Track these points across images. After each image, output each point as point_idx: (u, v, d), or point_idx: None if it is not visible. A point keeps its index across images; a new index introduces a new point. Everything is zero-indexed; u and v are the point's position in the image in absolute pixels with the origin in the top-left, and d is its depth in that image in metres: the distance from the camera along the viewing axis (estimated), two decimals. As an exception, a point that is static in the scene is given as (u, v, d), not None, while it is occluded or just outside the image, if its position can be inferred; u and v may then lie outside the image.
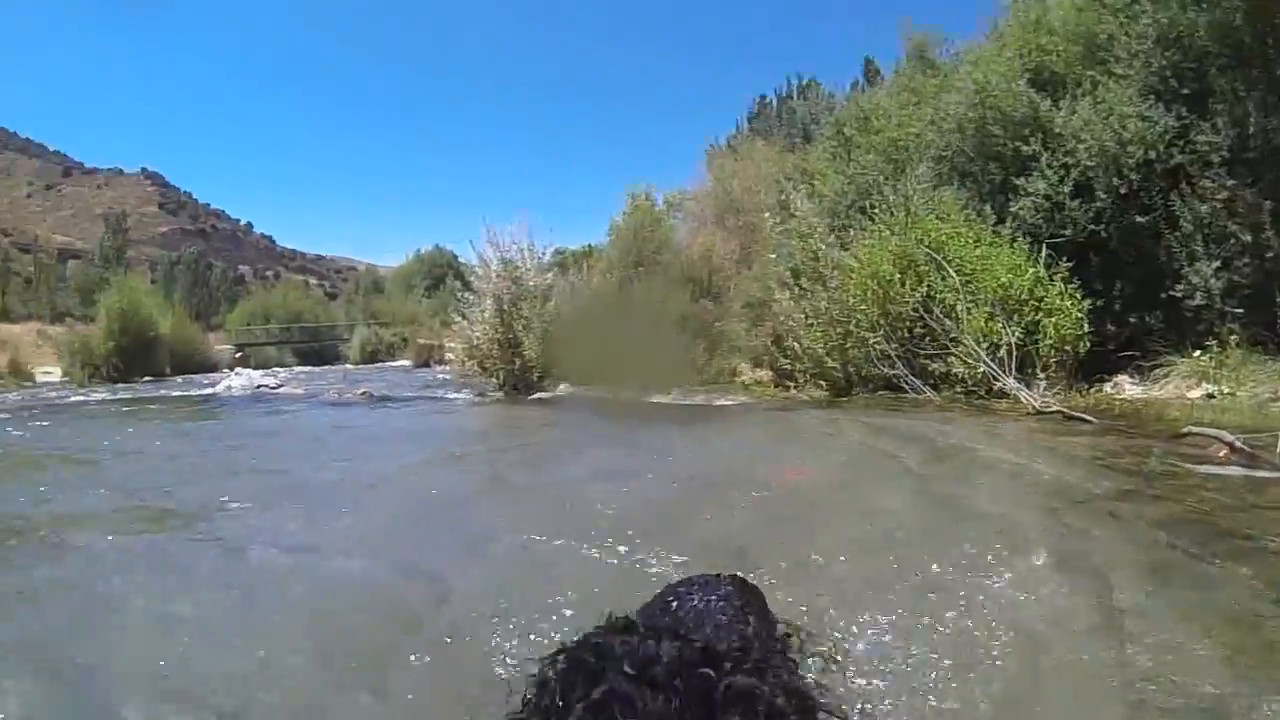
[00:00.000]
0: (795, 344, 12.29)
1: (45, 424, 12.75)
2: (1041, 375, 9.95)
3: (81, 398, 18.45)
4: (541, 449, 9.31)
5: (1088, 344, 10.10)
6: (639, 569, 3.90)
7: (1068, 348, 10.03)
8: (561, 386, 15.54)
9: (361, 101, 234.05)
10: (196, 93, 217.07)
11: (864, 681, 2.57)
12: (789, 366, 12.68)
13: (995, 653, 2.79)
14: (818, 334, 11.85)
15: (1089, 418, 8.20)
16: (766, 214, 14.58)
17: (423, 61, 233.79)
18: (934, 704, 2.47)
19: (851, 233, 12.62)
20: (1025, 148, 11.22)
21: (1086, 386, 10.03)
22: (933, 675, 2.63)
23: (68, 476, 7.68)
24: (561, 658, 0.91)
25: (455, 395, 16.21)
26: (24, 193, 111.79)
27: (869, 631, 2.98)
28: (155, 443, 10.21)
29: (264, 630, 3.31)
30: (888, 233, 11.55)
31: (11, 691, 2.79)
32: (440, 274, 44.50)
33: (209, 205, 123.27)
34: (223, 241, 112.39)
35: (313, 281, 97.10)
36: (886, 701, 2.46)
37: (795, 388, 12.59)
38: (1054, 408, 8.80)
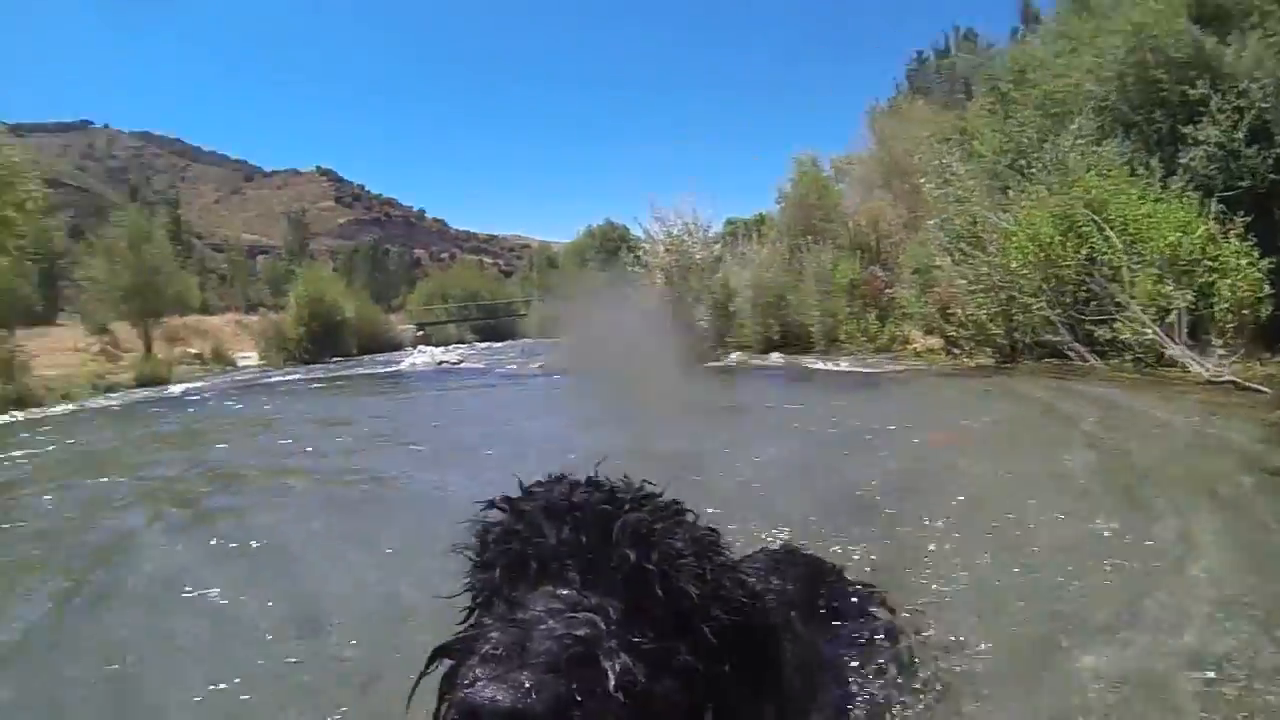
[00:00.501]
0: (959, 311, 12.70)
1: (251, 399, 15.30)
2: (1217, 342, 9.43)
3: (280, 377, 21.44)
4: (691, 416, 9.41)
5: (1269, 308, 9.46)
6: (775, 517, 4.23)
7: (1245, 311, 9.47)
8: (733, 355, 16.56)
9: (527, 80, 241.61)
10: (364, 88, 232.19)
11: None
12: (954, 334, 13.09)
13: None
14: (981, 300, 12.06)
15: (1264, 389, 7.73)
16: (922, 179, 14.75)
17: (584, 37, 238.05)
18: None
19: (1010, 194, 12.47)
20: (1192, 92, 10.64)
21: (1269, 355, 9.30)
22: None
23: (272, 438, 9.61)
24: (499, 498, 1.13)
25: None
26: (212, 199, 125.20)
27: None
28: (349, 409, 12.06)
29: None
30: (1046, 193, 11.41)
31: (272, 584, 3.86)
32: (613, 248, 46.04)
33: (382, 195, 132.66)
34: (398, 228, 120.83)
35: (487, 260, 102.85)
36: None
37: (963, 355, 12.88)
38: (1226, 377, 8.39)
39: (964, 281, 12.43)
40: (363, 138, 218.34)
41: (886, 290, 16.22)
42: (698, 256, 17.11)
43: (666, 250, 17.33)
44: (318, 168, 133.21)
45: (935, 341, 14.38)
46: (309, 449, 8.43)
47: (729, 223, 41.18)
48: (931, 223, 13.78)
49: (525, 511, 1.06)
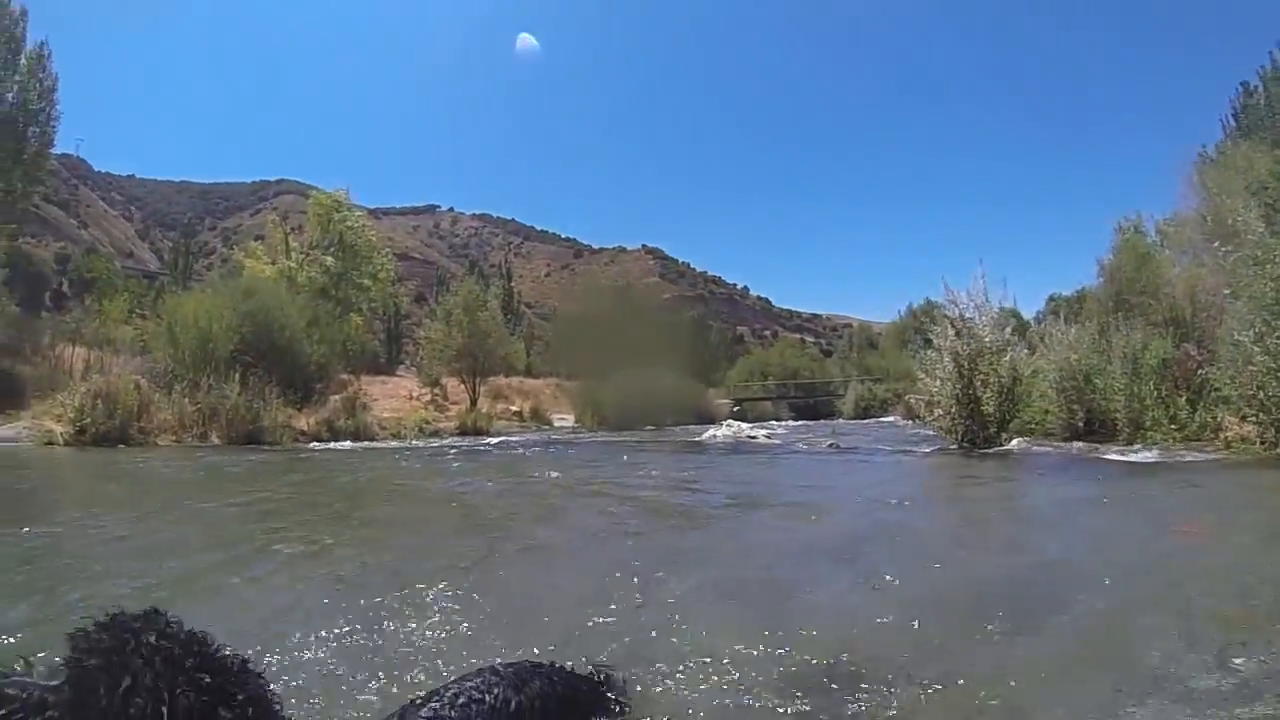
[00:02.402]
0: (1258, 393, 11.78)
1: (573, 450, 17.84)
2: None
3: (589, 438, 24.10)
4: (939, 500, 10.44)
5: None
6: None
7: None
8: (1015, 441, 16.33)
9: (850, 153, 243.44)
10: (693, 170, 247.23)
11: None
12: (1259, 419, 12.11)
13: None
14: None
15: None
16: (1216, 242, 13.69)
17: (907, 108, 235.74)
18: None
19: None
20: None
21: None
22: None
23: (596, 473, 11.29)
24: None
25: (916, 448, 17.65)
26: (543, 273, 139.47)
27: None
28: (631, 463, 13.71)
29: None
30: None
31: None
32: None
33: (707, 273, 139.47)
34: (721, 304, 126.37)
35: (809, 339, 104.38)
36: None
37: (1276, 445, 11.92)
38: None
39: (1265, 358, 11.56)
40: (690, 217, 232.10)
41: (1199, 370, 15.22)
42: (986, 339, 17.13)
43: (956, 334, 17.55)
44: (644, 246, 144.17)
45: (1251, 429, 13.31)
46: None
47: (1051, 299, 39.30)
48: (1226, 291, 12.91)
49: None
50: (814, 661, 3.34)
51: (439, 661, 3.33)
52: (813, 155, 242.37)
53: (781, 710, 2.86)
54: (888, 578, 5.05)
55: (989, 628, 3.87)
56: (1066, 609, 4.23)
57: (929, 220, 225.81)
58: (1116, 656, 3.49)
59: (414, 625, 3.89)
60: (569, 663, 2.51)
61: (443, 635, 3.77)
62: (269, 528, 7.02)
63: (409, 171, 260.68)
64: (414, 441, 21.34)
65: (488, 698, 2.08)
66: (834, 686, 3.08)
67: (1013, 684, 3.12)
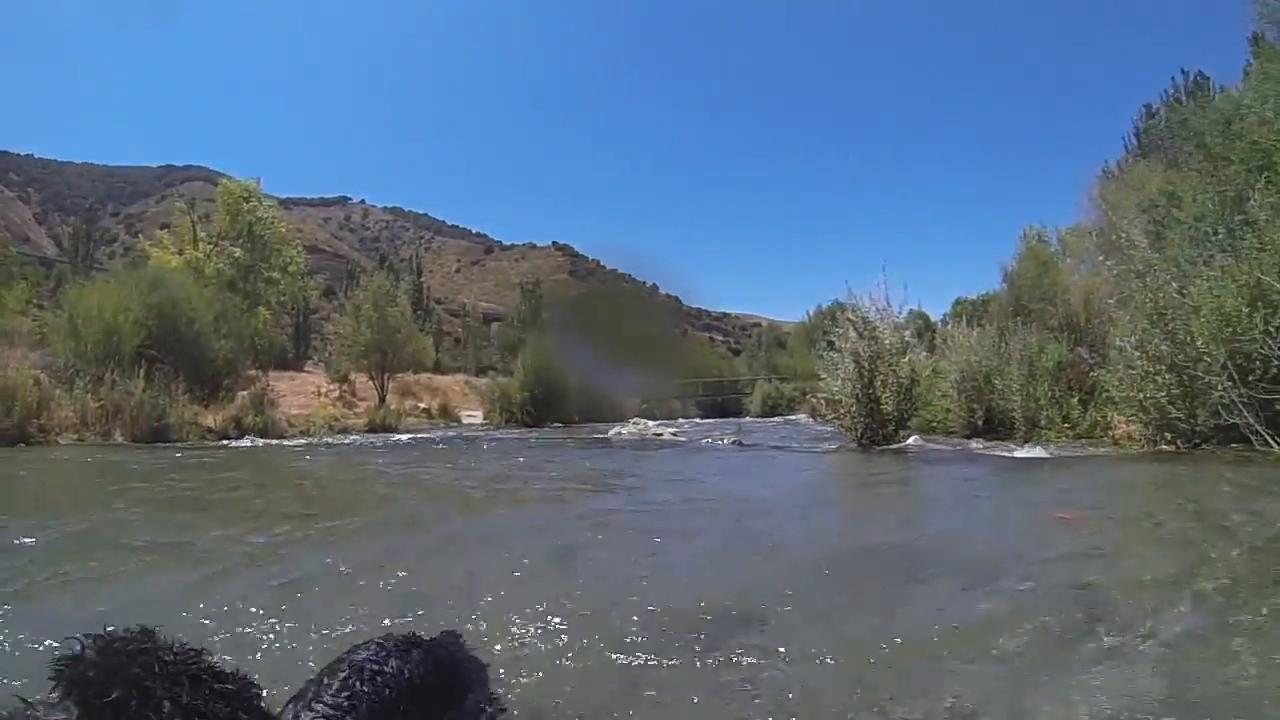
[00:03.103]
0: (1138, 394, 12.33)
1: (476, 448, 17.53)
2: None
3: (500, 436, 23.77)
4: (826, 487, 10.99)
5: None
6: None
7: None
8: (912, 439, 16.74)
9: (760, 161, 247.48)
10: (601, 168, 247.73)
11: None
12: (1140, 418, 12.66)
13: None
14: (1161, 382, 11.71)
15: None
16: (1099, 256, 14.47)
17: (814, 122, 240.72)
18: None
19: (1198, 264, 12.06)
20: None
21: None
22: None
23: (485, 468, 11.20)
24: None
25: (818, 445, 18.06)
26: (453, 268, 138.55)
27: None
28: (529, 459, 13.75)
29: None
30: (1233, 261, 11.05)
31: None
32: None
33: (616, 270, 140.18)
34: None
35: (717, 338, 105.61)
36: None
37: (1146, 442, 12.56)
38: None
39: (1143, 362, 12.10)
40: (600, 216, 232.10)
41: (1091, 373, 15.83)
42: (886, 342, 17.54)
43: (858, 335, 17.91)
44: (554, 243, 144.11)
45: (1137, 429, 13.90)
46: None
47: (957, 303, 40.59)
48: (1109, 301, 13.51)
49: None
50: (711, 608, 4.22)
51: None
52: (720, 155, 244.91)
53: (683, 642, 3.70)
54: (770, 546, 6.23)
55: (856, 584, 4.99)
56: (920, 572, 5.29)
57: (840, 222, 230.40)
58: (956, 603, 4.42)
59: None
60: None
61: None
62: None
63: (321, 162, 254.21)
64: (327, 439, 20.64)
65: (386, 668, 2.13)
66: (730, 624, 3.98)
67: (872, 620, 4.14)
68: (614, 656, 3.53)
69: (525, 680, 3.22)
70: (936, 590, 4.77)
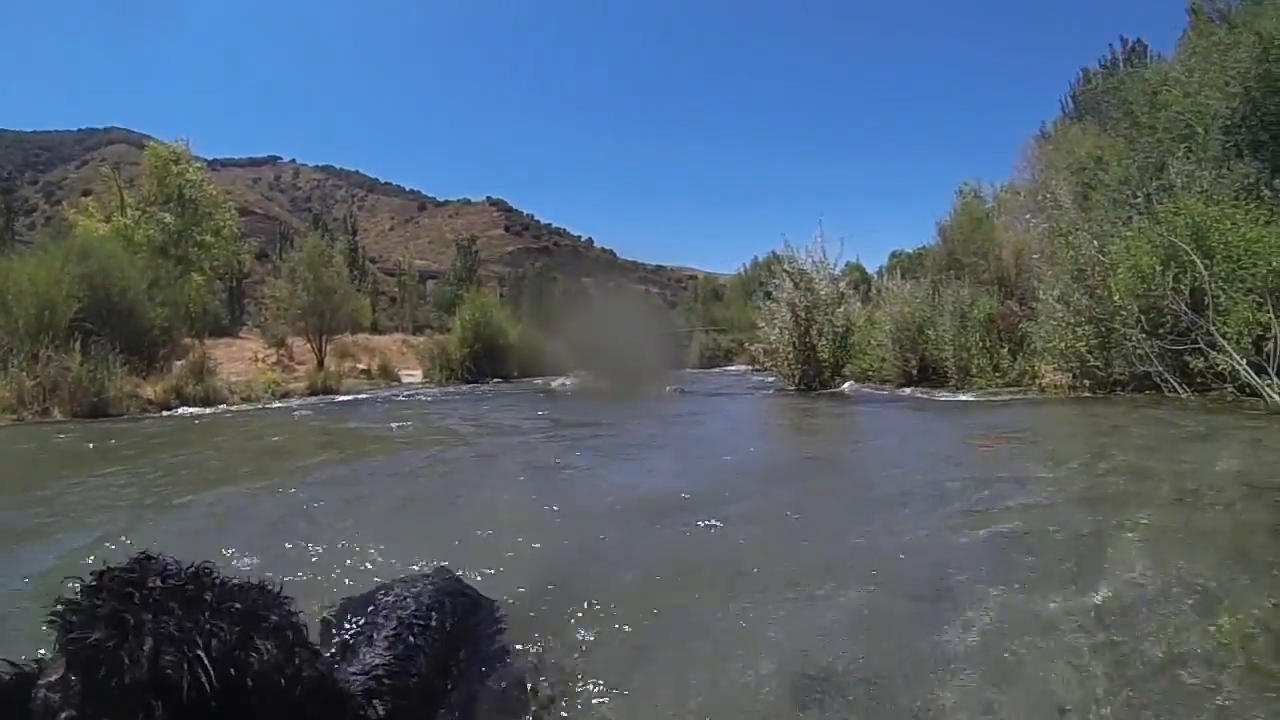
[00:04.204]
0: (1060, 344, 13.36)
1: (415, 405, 18.05)
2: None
3: (438, 392, 24.29)
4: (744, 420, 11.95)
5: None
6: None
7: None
8: (848, 385, 17.71)
9: (695, 114, 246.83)
10: (536, 121, 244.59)
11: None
12: (1061, 366, 13.70)
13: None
14: (1080, 333, 12.72)
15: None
16: (1028, 214, 15.41)
17: (743, 72, 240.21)
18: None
19: (1119, 225, 12.94)
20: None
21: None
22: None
23: (426, 422, 11.74)
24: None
25: (756, 392, 18.96)
26: (387, 226, 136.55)
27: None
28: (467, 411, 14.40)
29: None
30: (1150, 223, 11.93)
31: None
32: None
33: (551, 225, 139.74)
34: (565, 257, 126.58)
35: (653, 290, 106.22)
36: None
37: (1067, 389, 13.60)
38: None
39: (1064, 314, 13.06)
40: (534, 169, 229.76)
41: (1020, 325, 16.80)
42: (823, 292, 18.39)
43: (795, 286, 18.70)
44: (488, 198, 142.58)
45: (1063, 378, 14.93)
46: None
47: (893, 256, 41.77)
48: (1035, 256, 14.40)
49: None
50: (667, 502, 5.58)
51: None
52: (656, 105, 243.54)
53: (642, 521, 5.09)
54: (717, 461, 8.08)
55: (769, 484, 6.53)
56: (827, 478, 7.06)
57: (776, 176, 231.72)
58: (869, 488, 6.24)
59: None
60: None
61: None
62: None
63: (247, 120, 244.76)
64: (272, 404, 20.70)
65: (430, 620, 2.26)
66: (682, 511, 5.30)
67: (783, 510, 5.45)
68: (587, 533, 4.79)
69: (513, 555, 4.26)
70: (855, 481, 6.71)
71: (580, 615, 3.29)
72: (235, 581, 1.47)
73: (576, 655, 2.93)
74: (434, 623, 2.26)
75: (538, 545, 4.44)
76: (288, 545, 4.57)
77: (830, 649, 2.91)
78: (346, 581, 3.72)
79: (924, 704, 2.48)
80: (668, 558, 4.29)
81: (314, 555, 4.33)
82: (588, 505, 5.70)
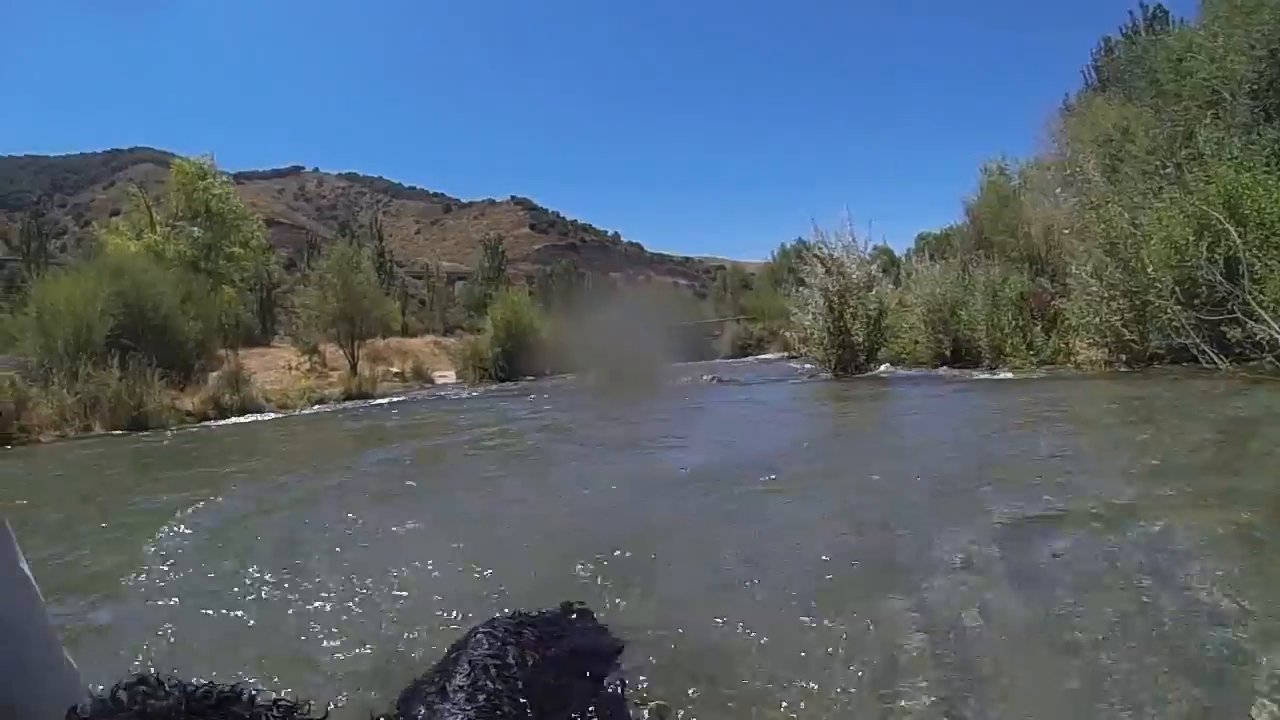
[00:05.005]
0: (1094, 319, 13.45)
1: (454, 404, 18.49)
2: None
3: (472, 392, 24.77)
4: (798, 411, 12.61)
5: None
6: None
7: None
8: (884, 367, 17.90)
9: (716, 101, 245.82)
10: (557, 118, 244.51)
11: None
12: (1096, 340, 13.79)
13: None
14: (1115, 306, 12.82)
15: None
16: (1058, 189, 15.41)
17: (761, 59, 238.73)
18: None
19: (1149, 196, 12.95)
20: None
21: None
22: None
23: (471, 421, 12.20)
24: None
25: (794, 380, 19.11)
26: (413, 230, 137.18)
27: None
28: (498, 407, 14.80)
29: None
30: (1181, 193, 11.97)
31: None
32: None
33: (577, 221, 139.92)
34: (593, 253, 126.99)
35: (682, 282, 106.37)
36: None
37: (1103, 364, 13.72)
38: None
39: (1098, 288, 13.15)
40: (558, 166, 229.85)
41: (1053, 302, 16.84)
42: (854, 276, 18.52)
43: (826, 272, 18.84)
44: (513, 197, 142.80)
45: (1099, 354, 14.98)
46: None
47: (920, 238, 41.57)
48: (1065, 232, 14.45)
49: None
50: (722, 469, 6.87)
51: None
52: (680, 96, 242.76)
53: (699, 485, 6.21)
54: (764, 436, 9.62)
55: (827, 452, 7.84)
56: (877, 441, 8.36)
57: (800, 162, 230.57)
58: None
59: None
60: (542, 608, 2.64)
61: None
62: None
63: (269, 132, 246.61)
64: (305, 410, 21.29)
65: (506, 659, 2.05)
66: (735, 475, 6.42)
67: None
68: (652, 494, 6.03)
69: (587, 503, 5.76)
70: (886, 448, 7.80)
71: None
72: None
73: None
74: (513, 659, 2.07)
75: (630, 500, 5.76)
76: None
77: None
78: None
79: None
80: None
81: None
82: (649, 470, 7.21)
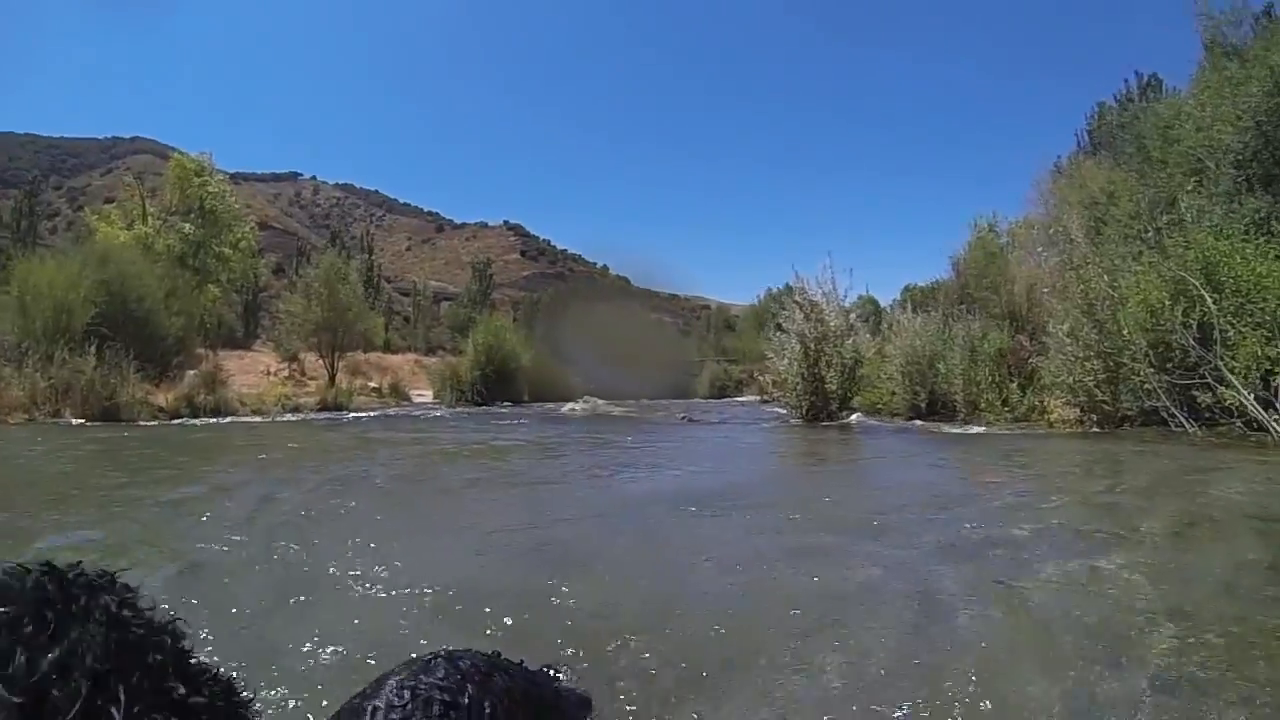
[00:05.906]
0: (1069, 379, 13.38)
1: (426, 425, 18.17)
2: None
3: (447, 413, 24.30)
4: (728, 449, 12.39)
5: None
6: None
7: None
8: (855, 416, 17.76)
9: (714, 143, 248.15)
10: (554, 147, 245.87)
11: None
12: (1070, 400, 13.72)
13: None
14: (1088, 367, 12.74)
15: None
16: (1040, 247, 15.50)
17: (764, 102, 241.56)
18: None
19: (1129, 259, 13.02)
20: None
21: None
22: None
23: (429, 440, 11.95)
24: None
25: (762, 422, 19.04)
26: (404, 246, 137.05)
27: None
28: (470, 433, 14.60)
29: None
30: (1159, 258, 12.00)
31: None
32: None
33: (567, 251, 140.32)
34: (580, 283, 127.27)
35: (667, 319, 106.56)
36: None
37: (1075, 424, 13.62)
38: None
39: (1073, 348, 13.11)
40: (552, 195, 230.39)
41: (1030, 360, 16.82)
42: (832, 324, 18.49)
43: (805, 317, 18.81)
44: (505, 222, 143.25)
45: (1071, 413, 14.91)
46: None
47: (907, 289, 41.78)
48: (1045, 290, 14.48)
49: None
50: (694, 494, 7.35)
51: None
52: (671, 133, 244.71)
53: (676, 507, 6.66)
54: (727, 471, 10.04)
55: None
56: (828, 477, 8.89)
57: (793, 206, 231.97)
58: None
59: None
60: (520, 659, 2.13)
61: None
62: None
63: (271, 136, 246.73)
64: (280, 417, 20.96)
65: (462, 699, 1.69)
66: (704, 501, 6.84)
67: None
68: (629, 516, 6.48)
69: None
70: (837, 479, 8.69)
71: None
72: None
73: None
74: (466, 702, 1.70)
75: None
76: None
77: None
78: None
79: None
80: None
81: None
82: (627, 499, 7.73)
